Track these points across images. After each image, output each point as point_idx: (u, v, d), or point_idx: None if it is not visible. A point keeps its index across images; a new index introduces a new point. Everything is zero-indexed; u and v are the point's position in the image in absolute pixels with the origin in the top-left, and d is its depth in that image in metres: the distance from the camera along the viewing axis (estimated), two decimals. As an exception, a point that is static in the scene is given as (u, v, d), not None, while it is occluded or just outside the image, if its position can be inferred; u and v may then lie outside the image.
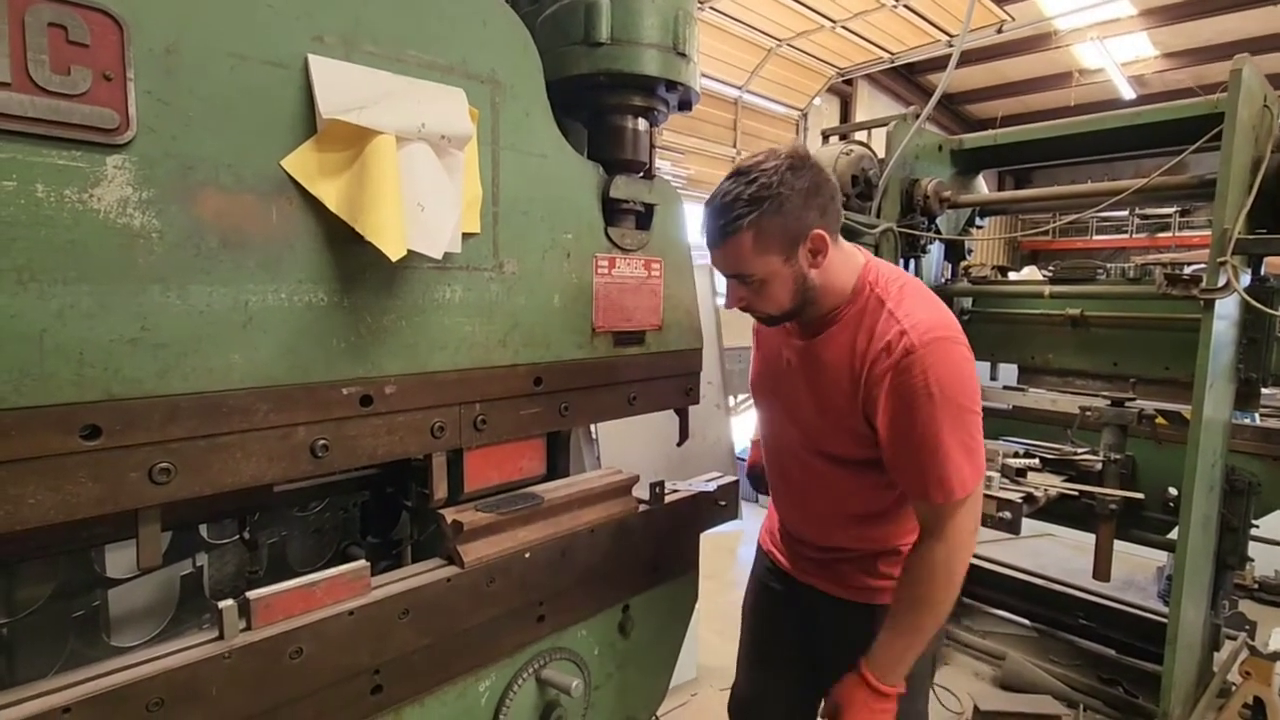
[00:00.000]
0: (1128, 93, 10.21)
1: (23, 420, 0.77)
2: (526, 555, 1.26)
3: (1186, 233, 11.61)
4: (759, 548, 1.72)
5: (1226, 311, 2.29)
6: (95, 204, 0.81)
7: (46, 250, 0.77)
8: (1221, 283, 2.17)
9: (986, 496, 2.35)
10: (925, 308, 1.26)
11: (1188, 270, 2.64)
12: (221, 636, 0.93)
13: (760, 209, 1.18)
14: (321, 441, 1.01)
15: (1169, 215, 11.93)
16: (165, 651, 0.90)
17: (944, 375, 1.19)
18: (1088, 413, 2.83)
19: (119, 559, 1.24)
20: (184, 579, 1.34)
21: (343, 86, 0.97)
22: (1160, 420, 2.74)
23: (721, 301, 1.78)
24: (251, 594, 0.96)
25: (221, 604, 0.93)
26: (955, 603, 1.30)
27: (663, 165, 7.46)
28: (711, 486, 1.68)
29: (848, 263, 1.32)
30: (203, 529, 1.34)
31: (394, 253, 0.97)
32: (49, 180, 0.77)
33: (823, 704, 1.38)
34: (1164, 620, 2.54)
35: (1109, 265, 3.36)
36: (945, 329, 1.22)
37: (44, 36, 0.76)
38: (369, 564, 1.09)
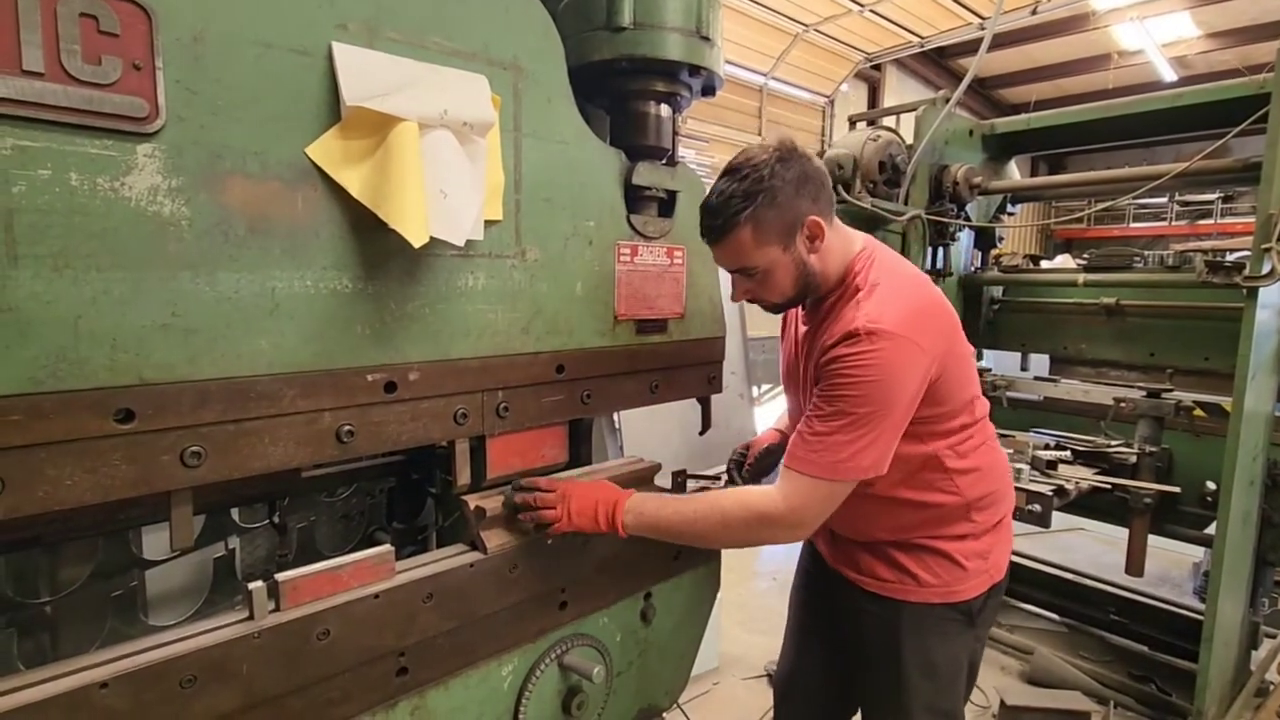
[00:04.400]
0: (1168, 75, 9.87)
1: (60, 404, 0.79)
2: (549, 542, 1.26)
3: (1230, 219, 11.19)
4: None
5: (1270, 300, 2.21)
6: (127, 192, 0.82)
7: (80, 238, 0.79)
8: (1266, 270, 2.10)
9: (1015, 489, 2.31)
10: (890, 299, 1.24)
11: (1230, 257, 2.55)
12: (251, 617, 0.95)
13: (755, 203, 1.21)
14: (347, 427, 1.02)
15: (1211, 201, 11.50)
16: (198, 630, 0.93)
17: (863, 366, 1.18)
18: (1122, 404, 2.76)
19: (156, 541, 1.28)
20: (217, 561, 1.37)
21: (366, 74, 0.97)
22: (1198, 412, 2.66)
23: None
24: (280, 576, 0.99)
25: (251, 585, 0.95)
26: (720, 545, 1.44)
27: (687, 154, 7.41)
28: (734, 476, 1.66)
29: (845, 246, 1.34)
30: (235, 513, 1.38)
31: (416, 239, 0.97)
32: (82, 169, 0.79)
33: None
34: (1199, 617, 2.48)
35: (1146, 253, 3.26)
36: (891, 322, 1.19)
37: (75, 26, 0.77)
38: (393, 549, 1.11)
